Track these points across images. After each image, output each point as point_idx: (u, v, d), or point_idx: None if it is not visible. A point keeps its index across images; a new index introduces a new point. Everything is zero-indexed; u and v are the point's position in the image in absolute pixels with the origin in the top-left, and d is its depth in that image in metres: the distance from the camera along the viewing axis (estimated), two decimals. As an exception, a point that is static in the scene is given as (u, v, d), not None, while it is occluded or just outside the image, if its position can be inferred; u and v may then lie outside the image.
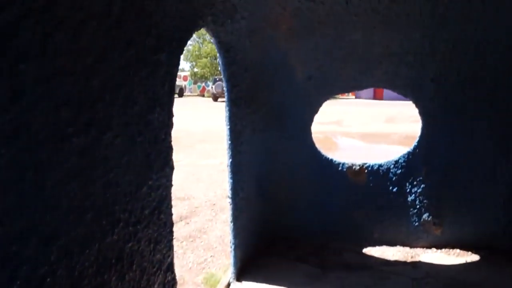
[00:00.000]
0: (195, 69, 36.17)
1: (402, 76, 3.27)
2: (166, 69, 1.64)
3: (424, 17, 2.84)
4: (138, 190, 1.45)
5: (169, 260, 1.70)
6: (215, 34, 2.39)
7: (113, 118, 1.28)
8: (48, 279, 1.02)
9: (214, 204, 5.06)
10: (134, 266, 1.43)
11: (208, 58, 33.81)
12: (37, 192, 0.98)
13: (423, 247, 3.51)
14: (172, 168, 1.70)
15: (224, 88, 2.70)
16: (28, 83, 0.93)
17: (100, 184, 1.23)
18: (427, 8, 2.75)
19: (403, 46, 3.11)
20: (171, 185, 1.70)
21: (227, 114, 2.70)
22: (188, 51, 36.77)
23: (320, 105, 3.54)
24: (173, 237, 1.75)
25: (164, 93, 1.62)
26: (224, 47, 2.54)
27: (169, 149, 1.67)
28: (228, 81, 2.66)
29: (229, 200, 2.79)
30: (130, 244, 1.40)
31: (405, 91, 3.36)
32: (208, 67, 33.88)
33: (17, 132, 0.91)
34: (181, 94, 32.25)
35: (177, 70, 1.75)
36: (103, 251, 1.25)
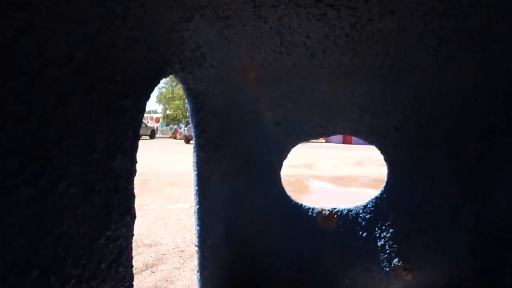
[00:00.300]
0: (168, 111, 36.30)
1: (366, 124, 3.39)
2: (131, 115, 1.61)
3: (384, 71, 3.01)
4: (94, 242, 1.37)
5: (127, 318, 1.57)
6: (183, 81, 2.41)
7: (68, 166, 1.22)
8: None
9: (182, 251, 4.86)
10: (87, 327, 1.32)
11: (181, 100, 34.16)
12: None
13: (394, 293, 3.47)
14: (133, 217, 1.62)
15: (192, 134, 2.69)
16: None
17: (51, 238, 1.15)
18: (386, 63, 2.92)
19: (366, 96, 3.25)
20: (132, 235, 1.61)
21: (195, 160, 2.67)
22: (161, 93, 37.12)
23: (289, 150, 3.58)
24: (133, 292, 1.64)
25: (127, 139, 1.58)
26: (192, 93, 2.56)
27: (131, 196, 1.61)
28: (196, 127, 2.66)
29: (196, 248, 2.68)
30: (82, 303, 1.30)
31: (371, 138, 3.47)
32: (181, 109, 34.14)
33: None
34: (152, 136, 31.99)
35: (142, 116, 1.73)
36: None
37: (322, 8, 2.25)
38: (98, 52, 1.36)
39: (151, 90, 1.82)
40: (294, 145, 3.59)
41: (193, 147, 2.69)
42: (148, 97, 1.80)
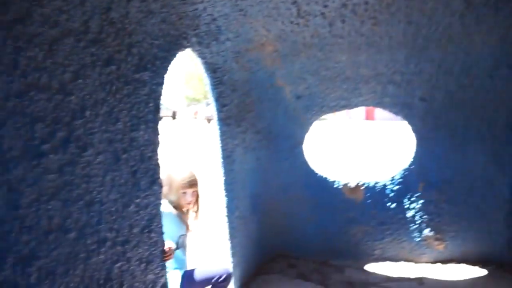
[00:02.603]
0: (188, 92, 36.23)
1: (390, 95, 3.30)
2: (150, 87, 1.64)
3: (407, 39, 2.89)
4: (125, 209, 1.42)
5: (162, 280, 1.63)
6: (201, 55, 2.42)
7: (94, 135, 1.26)
8: None
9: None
10: (125, 286, 1.38)
11: (200, 80, 34.01)
12: (12, 211, 0.94)
13: (427, 262, 3.42)
14: (160, 186, 1.67)
15: (213, 107, 2.71)
16: None
17: (82, 203, 1.20)
18: (409, 30, 2.81)
19: (388, 67, 3.13)
20: (160, 204, 1.66)
21: (218, 133, 2.69)
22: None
23: (311, 124, 3.55)
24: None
25: (149, 111, 1.61)
26: (210, 68, 2.57)
27: (157, 166, 1.65)
28: (217, 100, 2.67)
29: (225, 219, 2.74)
30: (119, 264, 1.35)
31: (395, 110, 3.39)
32: (200, 90, 33.86)
33: None
34: (174, 117, 32.44)
35: (162, 89, 1.76)
36: (90, 271, 1.20)
37: None
38: (113, 24, 1.38)
39: (169, 63, 1.84)
40: (316, 119, 3.55)
41: (215, 121, 2.71)
42: (166, 71, 1.82)
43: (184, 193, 2.21)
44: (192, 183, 2.23)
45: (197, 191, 2.29)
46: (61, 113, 1.13)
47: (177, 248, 2.17)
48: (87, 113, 1.24)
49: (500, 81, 3.02)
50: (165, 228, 2.08)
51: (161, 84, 1.74)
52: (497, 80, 3.02)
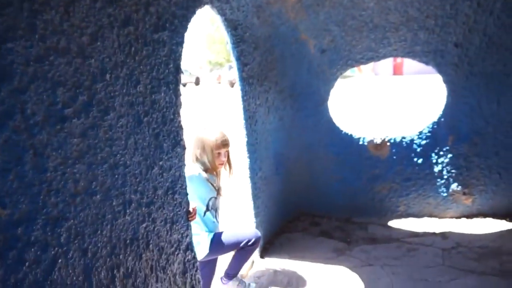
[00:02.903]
0: (210, 57, 35.89)
1: (421, 42, 3.11)
2: (170, 48, 1.60)
3: None
4: (149, 171, 1.44)
5: (187, 239, 1.69)
6: (220, 12, 2.32)
7: (115, 98, 1.26)
8: (60, 260, 1.02)
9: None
10: (151, 246, 1.44)
11: (222, 44, 33.44)
12: (39, 175, 0.97)
13: (452, 217, 3.40)
14: (184, 148, 1.68)
15: (235, 67, 2.65)
16: (17, 62, 0.91)
17: (107, 165, 1.22)
18: None
19: (421, 10, 2.93)
20: (184, 165, 1.68)
21: (240, 93, 2.65)
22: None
23: (336, 79, 3.43)
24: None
25: (169, 72, 1.58)
26: (231, 25, 2.48)
27: (179, 128, 1.65)
28: (238, 59, 2.60)
29: (248, 180, 2.77)
30: (144, 225, 1.40)
31: (426, 59, 3.20)
32: (222, 53, 33.49)
33: (10, 113, 0.90)
34: (197, 83, 32.33)
35: (182, 49, 1.71)
36: (116, 232, 1.25)
37: None
38: None
39: (188, 22, 1.78)
40: (341, 73, 3.42)
41: (237, 80, 2.66)
42: (186, 30, 1.76)
43: (219, 153, 2.21)
44: (225, 143, 2.22)
45: (228, 151, 2.29)
46: (81, 77, 1.12)
47: (207, 211, 2.22)
48: (107, 76, 1.23)
49: None
50: (196, 191, 2.11)
51: (181, 44, 1.69)
52: None
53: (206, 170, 2.22)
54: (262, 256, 2.92)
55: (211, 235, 2.19)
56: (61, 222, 1.03)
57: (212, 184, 2.23)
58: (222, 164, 2.25)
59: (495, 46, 2.97)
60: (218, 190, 2.27)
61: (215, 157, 2.20)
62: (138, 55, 1.39)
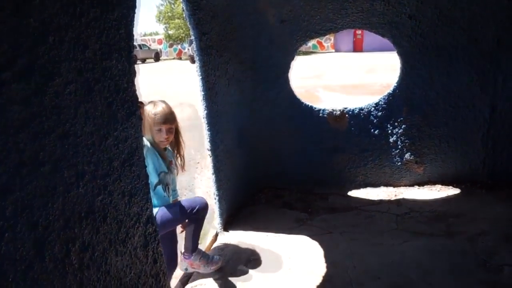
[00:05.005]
0: (169, 31, 34.73)
1: (378, 14, 3.16)
2: (120, 11, 1.49)
3: None
4: (103, 142, 1.37)
5: (147, 212, 1.65)
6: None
7: (61, 64, 1.16)
8: (7, 234, 0.95)
9: (198, 163, 5.02)
10: (108, 219, 1.38)
11: (181, 19, 32.33)
12: None
13: (406, 185, 3.58)
14: (139, 118, 1.60)
15: (192, 37, 2.55)
16: None
17: (55, 135, 1.14)
18: None
19: None
20: (140, 136, 1.61)
21: (199, 64, 2.57)
22: (160, 12, 35.19)
23: (296, 50, 3.42)
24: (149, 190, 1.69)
25: (120, 38, 1.49)
26: (187, -9, 2.37)
27: (134, 98, 1.57)
28: (195, 28, 2.50)
29: (209, 153, 2.73)
30: (100, 197, 1.34)
31: (382, 30, 3.26)
32: (182, 28, 32.49)
33: None
34: (157, 59, 31.24)
35: (133, 13, 1.61)
36: (70, 204, 1.19)
37: None
38: None
39: None
40: (301, 44, 3.41)
41: (195, 50, 2.57)
42: (137, -7, 1.65)
43: (159, 129, 2.08)
44: (165, 119, 2.07)
45: (173, 128, 2.15)
46: (20, 38, 1.02)
47: (158, 184, 2.14)
48: (51, 38, 1.13)
49: None
50: (146, 163, 2.02)
51: (132, 8, 1.58)
52: None
53: (153, 144, 2.12)
54: (225, 229, 2.93)
55: (158, 209, 2.12)
56: (5, 195, 0.96)
57: (162, 159, 2.13)
58: (163, 141, 2.12)
59: (446, 19, 3.08)
60: (169, 164, 2.18)
61: (155, 133, 2.08)
62: (84, 17, 1.29)
